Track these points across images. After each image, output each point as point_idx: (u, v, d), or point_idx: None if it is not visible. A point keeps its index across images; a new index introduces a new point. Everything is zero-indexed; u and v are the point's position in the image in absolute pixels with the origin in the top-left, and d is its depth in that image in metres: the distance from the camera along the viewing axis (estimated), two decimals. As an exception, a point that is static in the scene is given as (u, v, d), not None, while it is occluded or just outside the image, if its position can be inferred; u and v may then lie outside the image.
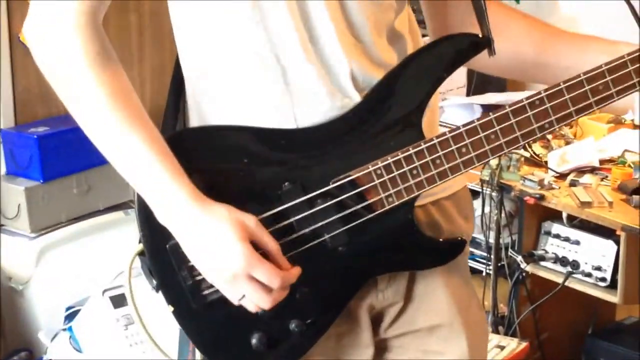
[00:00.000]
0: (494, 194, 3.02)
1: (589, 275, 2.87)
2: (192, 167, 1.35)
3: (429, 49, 1.43)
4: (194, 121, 1.47)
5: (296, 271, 1.36)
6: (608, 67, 1.41)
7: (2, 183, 3.39)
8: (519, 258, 3.00)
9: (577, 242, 2.92)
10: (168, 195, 1.33)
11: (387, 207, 1.39)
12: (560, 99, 1.40)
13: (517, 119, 1.39)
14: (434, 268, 1.50)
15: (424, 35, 1.55)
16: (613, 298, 2.82)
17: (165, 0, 1.44)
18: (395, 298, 1.51)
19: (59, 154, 3.37)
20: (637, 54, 1.41)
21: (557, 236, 2.97)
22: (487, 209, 3.10)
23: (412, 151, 1.38)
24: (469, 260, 2.86)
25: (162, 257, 1.39)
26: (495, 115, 1.40)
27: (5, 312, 3.34)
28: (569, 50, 1.54)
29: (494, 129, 1.39)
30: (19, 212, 3.34)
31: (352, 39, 1.39)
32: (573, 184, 2.89)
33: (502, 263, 3.10)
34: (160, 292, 1.43)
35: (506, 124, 1.39)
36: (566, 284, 2.91)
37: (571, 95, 1.40)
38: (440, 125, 1.61)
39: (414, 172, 1.39)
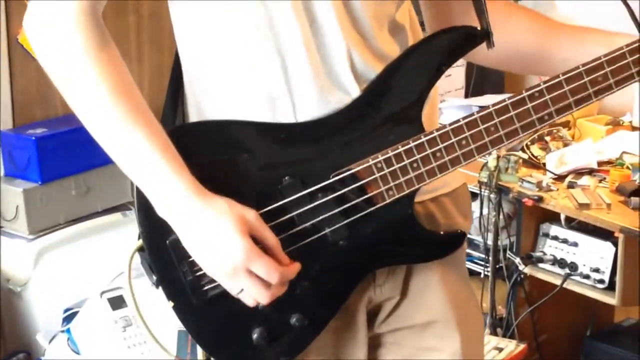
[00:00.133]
0: (492, 195, 3.02)
1: (587, 277, 2.87)
2: (192, 162, 1.35)
3: (428, 41, 1.44)
4: (193, 116, 1.47)
5: (295, 267, 1.36)
6: (607, 58, 1.42)
7: (1, 185, 3.39)
8: (517, 260, 3.00)
9: (576, 244, 2.92)
10: (169, 189, 1.33)
11: (388, 201, 1.39)
12: (560, 91, 1.41)
13: (517, 111, 1.40)
14: (431, 264, 1.50)
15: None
16: (611, 300, 2.82)
17: (165, 0, 1.44)
18: (392, 293, 1.51)
19: (58, 156, 3.37)
20: (636, 45, 1.42)
21: (555, 238, 2.97)
22: (485, 211, 3.10)
23: (412, 144, 1.39)
24: (467, 262, 2.88)
25: (162, 253, 1.39)
26: (495, 108, 1.40)
27: (4, 314, 3.34)
28: (568, 42, 1.55)
29: (494, 121, 1.40)
30: (17, 214, 3.34)
31: (353, 31, 1.39)
32: (571, 185, 2.89)
33: (501, 265, 3.09)
34: (160, 288, 1.42)
35: (506, 116, 1.40)
36: (564, 285, 2.91)
37: (570, 86, 1.41)
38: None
39: (415, 165, 1.39)
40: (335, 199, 1.38)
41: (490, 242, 3.10)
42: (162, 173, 1.33)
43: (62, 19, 1.34)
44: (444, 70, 1.42)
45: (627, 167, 2.91)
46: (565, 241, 2.95)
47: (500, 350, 2.95)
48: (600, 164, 2.99)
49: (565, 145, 3.12)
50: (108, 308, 3.20)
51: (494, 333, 3.10)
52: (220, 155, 1.40)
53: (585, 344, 3.14)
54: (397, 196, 1.39)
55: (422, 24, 1.58)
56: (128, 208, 3.54)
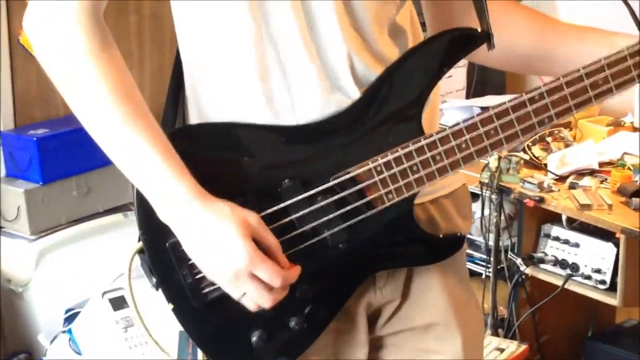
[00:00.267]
0: (493, 196, 3.02)
1: (588, 277, 2.87)
2: (192, 164, 1.35)
3: (428, 44, 1.43)
4: (194, 117, 1.47)
5: (297, 270, 1.36)
6: (607, 61, 1.42)
7: (2, 185, 3.39)
8: (519, 260, 3.00)
9: (577, 245, 2.92)
10: (170, 192, 1.32)
11: (387, 204, 1.39)
12: (560, 94, 1.41)
13: (517, 114, 1.40)
14: (432, 266, 1.50)
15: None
16: (613, 301, 2.82)
17: (166, 0, 1.44)
18: (393, 295, 1.51)
19: (59, 156, 3.37)
20: (636, 47, 1.42)
21: (556, 239, 2.97)
22: (486, 212, 3.10)
23: (412, 147, 1.38)
24: (468, 263, 2.88)
25: (162, 255, 1.39)
26: (495, 111, 1.40)
27: (5, 315, 3.34)
28: (567, 41, 1.55)
29: (494, 125, 1.40)
30: (19, 215, 3.34)
31: (354, 34, 1.39)
32: (572, 186, 2.89)
33: (502, 265, 3.09)
34: (160, 290, 1.42)
35: (506, 119, 1.40)
36: (566, 286, 2.90)
37: (570, 89, 1.41)
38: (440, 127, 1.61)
39: (414, 168, 1.39)
40: (335, 202, 1.38)
41: (491, 242, 3.10)
42: (162, 176, 1.32)
43: (63, 18, 1.33)
44: (444, 72, 1.41)
45: (629, 168, 2.91)
46: (566, 242, 2.94)
47: (501, 350, 2.96)
48: (601, 164, 2.98)
49: (567, 146, 3.12)
50: (109, 308, 3.20)
51: (495, 334, 3.10)
52: (220, 158, 1.40)
53: (587, 344, 3.13)
54: (396, 199, 1.39)
55: (423, 25, 1.58)
56: (129, 209, 3.54)
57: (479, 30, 1.44)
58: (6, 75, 3.39)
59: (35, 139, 3.34)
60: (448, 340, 1.54)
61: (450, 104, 3.33)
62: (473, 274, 3.13)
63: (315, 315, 1.42)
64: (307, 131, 1.39)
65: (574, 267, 2.90)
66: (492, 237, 3.09)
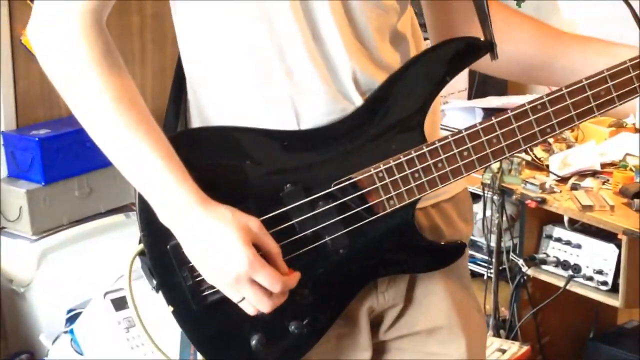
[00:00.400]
0: (495, 197, 3.02)
1: (590, 279, 2.87)
2: (193, 168, 1.35)
3: (430, 52, 1.43)
4: (196, 121, 1.47)
5: (296, 276, 1.36)
6: (610, 72, 1.42)
7: (4, 185, 3.39)
8: (520, 261, 3.00)
9: (579, 246, 2.91)
10: (172, 197, 1.33)
11: (389, 210, 1.39)
12: (562, 104, 1.41)
13: (519, 123, 1.40)
14: (435, 271, 1.50)
15: (425, 39, 1.55)
16: (614, 302, 2.81)
17: (168, 0, 1.44)
18: (395, 300, 1.51)
19: (61, 157, 3.38)
20: (639, 59, 1.42)
21: (558, 240, 2.96)
22: (488, 213, 3.10)
23: (414, 154, 1.39)
24: (470, 264, 2.88)
25: (163, 257, 1.39)
26: (497, 120, 1.40)
27: (7, 315, 3.35)
28: (569, 51, 1.55)
29: (496, 133, 1.40)
30: (21, 215, 3.35)
31: (355, 41, 1.39)
32: (574, 187, 2.88)
33: (504, 266, 3.09)
34: (160, 293, 1.42)
35: (508, 128, 1.40)
36: (567, 287, 2.90)
37: (573, 100, 1.41)
38: (442, 128, 1.61)
39: (416, 175, 1.39)
40: (336, 207, 1.38)
41: (493, 243, 3.10)
42: (164, 181, 1.32)
43: (66, 26, 1.33)
44: (447, 81, 1.41)
45: (630, 169, 2.91)
46: (568, 243, 2.94)
47: (503, 352, 2.96)
48: (603, 165, 2.98)
49: (569, 147, 3.12)
50: (111, 309, 3.20)
51: (497, 335, 3.10)
52: (222, 162, 1.40)
53: (588, 345, 3.13)
54: (397, 206, 1.39)
55: (422, 25, 1.57)
56: (131, 209, 3.54)
57: (482, 39, 1.44)
58: (8, 76, 3.39)
59: (37, 139, 3.34)
60: (452, 344, 1.54)
61: (452, 104, 3.33)
62: (475, 275, 3.13)
63: (315, 320, 1.42)
64: (309, 137, 1.39)
65: (576, 268, 2.89)
66: (494, 238, 3.09)
